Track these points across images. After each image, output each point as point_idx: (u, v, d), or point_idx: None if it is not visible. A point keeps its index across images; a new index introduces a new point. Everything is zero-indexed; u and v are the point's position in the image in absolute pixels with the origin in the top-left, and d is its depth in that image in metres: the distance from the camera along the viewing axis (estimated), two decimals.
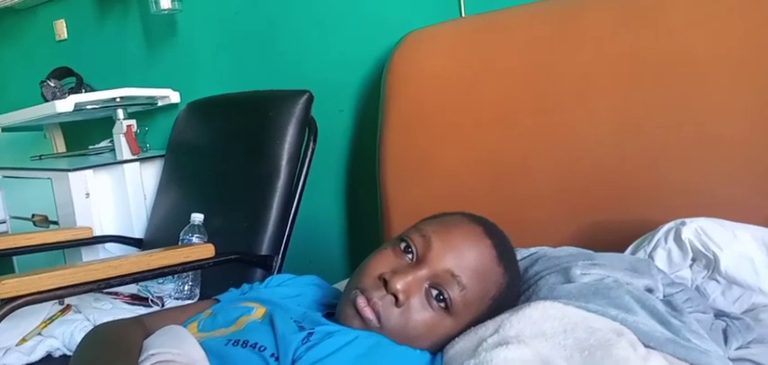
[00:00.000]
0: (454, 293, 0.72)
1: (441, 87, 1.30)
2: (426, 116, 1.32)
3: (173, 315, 0.85)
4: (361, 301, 0.72)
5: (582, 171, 1.11)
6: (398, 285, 0.71)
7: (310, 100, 1.44)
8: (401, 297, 0.71)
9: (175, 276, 1.40)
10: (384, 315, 0.71)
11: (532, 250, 0.95)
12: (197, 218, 1.40)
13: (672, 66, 1.05)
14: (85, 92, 1.93)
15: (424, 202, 0.97)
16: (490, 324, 0.72)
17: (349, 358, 0.66)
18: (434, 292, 0.72)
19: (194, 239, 1.38)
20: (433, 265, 0.73)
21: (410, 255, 0.75)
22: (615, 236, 1.00)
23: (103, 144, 2.04)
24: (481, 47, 1.27)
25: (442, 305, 0.72)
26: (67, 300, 1.32)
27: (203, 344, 0.69)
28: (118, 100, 1.79)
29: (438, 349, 0.75)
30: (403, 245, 0.76)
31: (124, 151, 1.81)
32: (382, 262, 0.75)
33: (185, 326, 0.77)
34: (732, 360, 0.74)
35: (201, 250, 1.26)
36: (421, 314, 0.72)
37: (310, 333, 0.68)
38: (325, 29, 1.62)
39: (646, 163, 1.06)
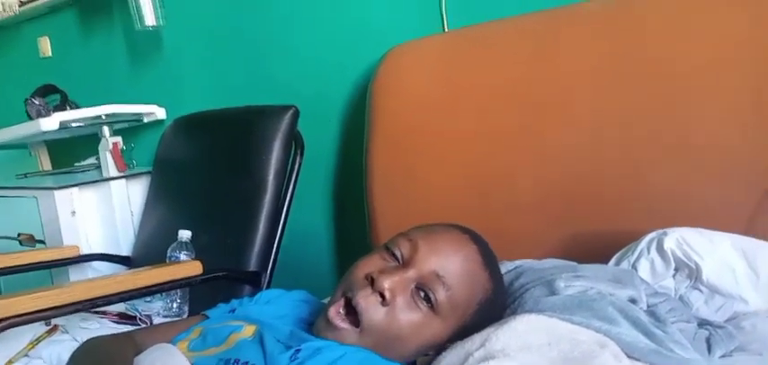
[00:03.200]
0: (440, 294, 0.73)
1: (425, 101, 1.31)
2: (412, 129, 1.33)
3: (162, 331, 0.85)
4: (333, 311, 0.73)
5: (565, 182, 1.12)
6: (385, 283, 0.72)
7: (296, 114, 1.45)
8: (387, 294, 0.72)
9: (163, 294, 1.39)
10: (368, 313, 0.72)
11: (517, 263, 0.96)
12: (184, 234, 1.39)
13: (650, 76, 1.06)
14: (70, 109, 1.92)
15: (411, 214, 0.98)
16: (477, 338, 0.73)
17: None
18: (421, 293, 0.73)
19: (182, 256, 1.37)
20: (420, 267, 0.74)
21: (397, 259, 0.76)
22: (599, 247, 1.01)
23: (89, 161, 2.03)
24: (464, 61, 1.28)
25: (429, 306, 0.73)
26: (54, 321, 1.31)
27: (194, 364, 0.69)
28: (103, 117, 1.78)
29: (425, 354, 0.75)
30: (390, 250, 0.77)
31: (110, 168, 1.81)
32: (370, 264, 0.77)
33: (175, 344, 0.77)
34: None
35: (189, 267, 1.26)
36: (407, 314, 0.73)
37: (298, 351, 0.68)
38: (311, 43, 1.62)
39: (627, 173, 1.07)
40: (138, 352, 0.73)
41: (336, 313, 0.73)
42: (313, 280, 1.65)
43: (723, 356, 0.77)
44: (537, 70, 1.18)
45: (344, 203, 1.67)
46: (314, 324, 0.77)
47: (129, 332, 0.84)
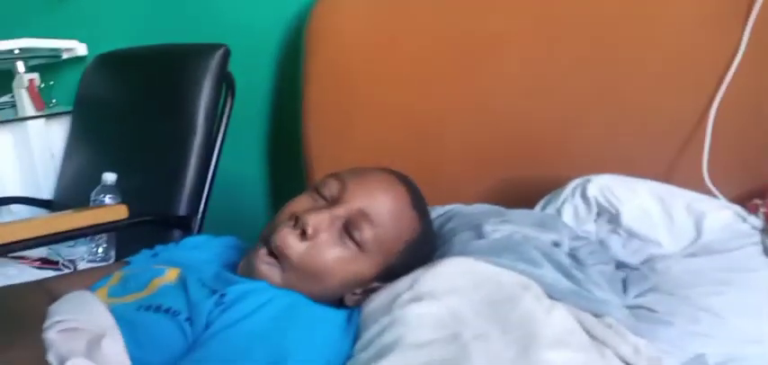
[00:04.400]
0: (366, 232, 0.74)
1: (360, 44, 1.29)
2: (347, 73, 1.31)
3: (79, 279, 0.82)
4: (258, 249, 0.73)
5: (496, 129, 1.14)
6: (309, 220, 0.72)
7: (227, 54, 1.39)
8: (309, 230, 0.72)
9: (88, 238, 1.34)
10: (287, 249, 0.72)
11: (447, 208, 0.97)
12: (109, 177, 1.33)
13: (580, 31, 1.08)
14: None
15: (346, 159, 0.98)
16: (406, 280, 0.74)
17: (264, 319, 0.66)
18: (349, 231, 0.74)
19: (107, 200, 1.32)
20: (348, 205, 0.74)
21: (326, 199, 0.76)
22: (527, 193, 1.04)
23: (4, 99, 1.89)
24: (400, 6, 1.27)
25: (356, 243, 0.74)
26: None
27: (113, 311, 0.67)
28: (17, 51, 1.65)
29: (351, 291, 0.76)
30: (319, 190, 0.77)
31: (27, 107, 1.69)
32: (297, 204, 0.77)
33: (93, 291, 0.74)
34: (629, 307, 0.79)
35: (114, 211, 1.21)
36: (331, 250, 0.73)
37: (223, 295, 0.67)
38: None
39: (556, 122, 1.10)
40: (53, 301, 0.69)
41: (261, 250, 0.73)
42: (247, 226, 1.62)
43: (637, 295, 0.82)
44: (472, 19, 1.18)
45: (279, 148, 1.64)
46: (239, 264, 0.76)
47: (42, 280, 0.79)
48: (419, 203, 0.81)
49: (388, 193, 0.77)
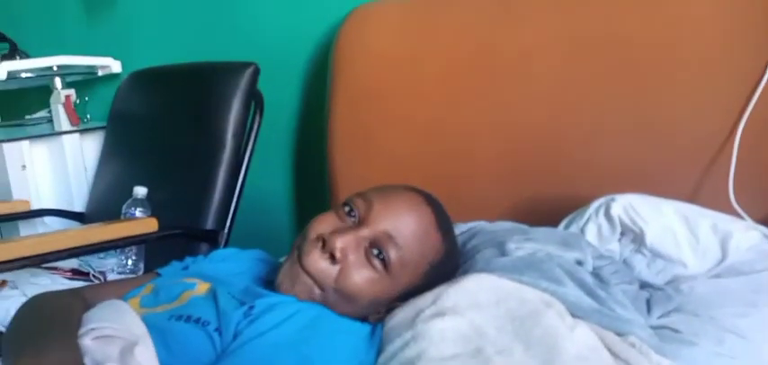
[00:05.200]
0: (392, 253, 0.74)
1: (387, 63, 1.31)
2: (373, 91, 1.33)
3: (113, 288, 0.84)
4: (298, 268, 0.74)
5: (521, 148, 1.15)
6: (337, 243, 0.73)
7: (256, 72, 1.43)
8: (338, 254, 0.73)
9: (118, 251, 1.37)
10: (320, 275, 0.73)
11: (470, 225, 0.98)
12: (140, 191, 1.37)
13: (607, 49, 1.08)
14: (20, 59, 1.84)
15: (371, 177, 0.99)
16: (428, 296, 0.75)
17: (291, 331, 0.67)
18: (375, 251, 0.74)
19: (137, 213, 1.35)
20: (374, 226, 0.75)
21: (353, 218, 0.77)
22: (551, 211, 1.04)
23: (41, 114, 1.96)
24: (426, 24, 1.28)
25: (382, 264, 0.74)
26: (3, 276, 1.28)
27: (145, 320, 0.69)
28: (55, 68, 1.72)
29: (375, 310, 0.77)
30: (346, 209, 0.78)
31: (63, 122, 1.75)
32: (324, 223, 0.77)
33: (126, 301, 0.77)
34: (653, 327, 0.79)
35: (144, 224, 1.24)
36: (359, 272, 0.74)
37: (251, 308, 0.69)
38: (273, 1, 1.59)
39: (581, 141, 1.10)
40: (88, 309, 0.72)
41: (299, 267, 0.74)
42: (272, 240, 1.65)
43: (661, 316, 0.81)
44: (497, 36, 1.19)
45: (305, 164, 1.66)
46: (275, 279, 0.77)
47: (77, 288, 0.82)
48: (444, 224, 0.81)
49: (414, 215, 0.77)
